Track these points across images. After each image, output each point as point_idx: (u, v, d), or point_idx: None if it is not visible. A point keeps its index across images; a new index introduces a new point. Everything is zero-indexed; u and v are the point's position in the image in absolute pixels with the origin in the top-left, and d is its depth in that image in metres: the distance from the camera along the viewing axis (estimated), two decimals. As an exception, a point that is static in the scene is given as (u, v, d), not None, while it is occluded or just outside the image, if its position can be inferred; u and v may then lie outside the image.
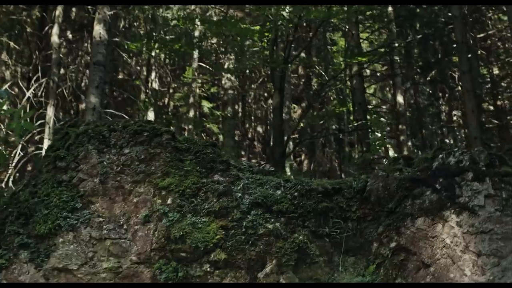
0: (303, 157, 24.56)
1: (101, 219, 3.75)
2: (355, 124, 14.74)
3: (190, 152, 3.90)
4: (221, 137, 26.76)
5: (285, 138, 15.34)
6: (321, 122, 17.29)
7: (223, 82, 21.10)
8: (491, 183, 3.61)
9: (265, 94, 26.68)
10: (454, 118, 21.84)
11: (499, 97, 18.59)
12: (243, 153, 28.62)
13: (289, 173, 16.32)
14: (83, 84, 17.29)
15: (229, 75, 19.34)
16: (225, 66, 17.73)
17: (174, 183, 3.71)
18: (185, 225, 3.59)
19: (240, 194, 3.67)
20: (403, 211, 3.65)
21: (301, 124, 17.28)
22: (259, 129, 31.13)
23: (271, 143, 15.92)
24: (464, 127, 19.04)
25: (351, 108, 17.10)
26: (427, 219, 3.59)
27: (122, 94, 18.68)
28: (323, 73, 16.84)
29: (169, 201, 3.72)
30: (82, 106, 16.15)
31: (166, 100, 23.22)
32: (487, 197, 3.60)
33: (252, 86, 25.04)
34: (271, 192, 3.67)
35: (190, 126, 19.74)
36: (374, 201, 3.73)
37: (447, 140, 20.90)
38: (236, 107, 24.42)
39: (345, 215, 3.73)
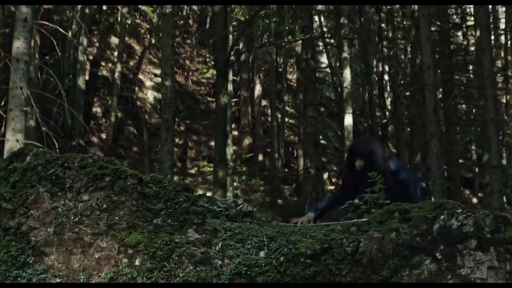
0: (257, 83, 23.71)
1: (58, 279, 3.26)
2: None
3: (160, 199, 3.38)
4: (155, 17, 25.58)
5: (229, 44, 14.67)
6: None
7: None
8: (496, 253, 3.30)
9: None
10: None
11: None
12: (177, 33, 27.57)
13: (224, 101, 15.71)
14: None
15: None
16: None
17: (143, 242, 3.23)
18: (157, 296, 3.16)
19: (219, 261, 3.23)
20: (399, 281, 3.31)
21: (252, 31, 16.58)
22: (195, 7, 29.84)
23: (213, 43, 15.16)
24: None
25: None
26: (425, 291, 3.28)
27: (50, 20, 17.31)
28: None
29: (137, 263, 3.26)
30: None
31: None
32: (490, 268, 3.30)
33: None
34: (254, 256, 3.24)
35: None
36: (367, 264, 3.38)
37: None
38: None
39: (334, 279, 3.37)
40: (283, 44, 16.93)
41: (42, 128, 11.52)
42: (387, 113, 32.99)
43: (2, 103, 10.46)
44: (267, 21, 20.44)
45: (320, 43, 18.32)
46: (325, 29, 24.43)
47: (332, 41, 18.43)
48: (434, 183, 10.41)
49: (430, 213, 3.41)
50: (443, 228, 3.34)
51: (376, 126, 30.51)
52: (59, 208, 3.37)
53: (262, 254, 3.32)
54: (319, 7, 18.80)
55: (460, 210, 3.39)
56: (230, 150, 19.56)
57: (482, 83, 11.64)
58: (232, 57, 14.38)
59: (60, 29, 11.56)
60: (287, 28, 15.89)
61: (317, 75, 18.53)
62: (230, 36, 16.14)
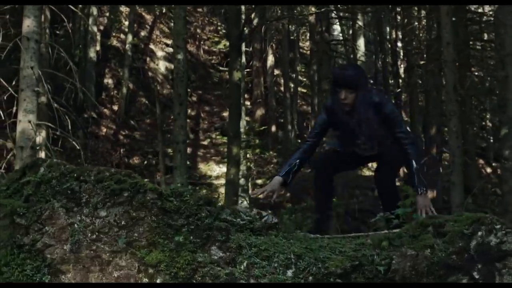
0: (269, 53, 23.35)
1: (75, 300, 3.11)
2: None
3: (181, 214, 3.21)
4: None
5: (243, 18, 14.34)
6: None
7: None
8: (537, 272, 3.12)
9: None
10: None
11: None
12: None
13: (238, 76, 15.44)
14: None
15: None
16: None
17: (164, 261, 3.06)
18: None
19: (245, 282, 3.06)
20: (435, 302, 3.14)
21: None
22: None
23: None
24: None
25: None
26: (461, 312, 3.11)
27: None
28: None
29: (158, 282, 3.09)
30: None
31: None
32: (531, 289, 3.12)
33: None
34: (281, 276, 3.08)
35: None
36: (400, 282, 3.20)
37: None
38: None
39: (365, 299, 3.20)
40: (296, 15, 16.55)
41: (54, 105, 11.35)
42: (400, 81, 32.61)
43: (13, 83, 10.27)
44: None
45: (334, 14, 17.97)
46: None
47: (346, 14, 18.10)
48: (454, 163, 10.20)
49: (466, 229, 3.21)
50: (481, 245, 3.16)
51: (389, 94, 30.17)
52: (76, 225, 3.21)
53: (289, 273, 3.14)
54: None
55: (499, 226, 3.19)
56: (243, 122, 19.35)
57: (501, 58, 11.30)
58: (245, 30, 14.06)
59: (70, 6, 11.28)
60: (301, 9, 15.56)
61: (331, 47, 18.21)
62: (243, 7, 15.80)
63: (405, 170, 6.07)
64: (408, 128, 4.83)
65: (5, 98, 10.05)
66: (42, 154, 13.44)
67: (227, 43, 22.00)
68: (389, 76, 30.09)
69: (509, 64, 10.18)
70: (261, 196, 4.54)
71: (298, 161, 4.69)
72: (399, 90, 31.44)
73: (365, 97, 4.55)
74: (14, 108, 10.04)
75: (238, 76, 12.89)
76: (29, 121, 9.51)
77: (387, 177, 4.93)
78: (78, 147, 12.77)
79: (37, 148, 10.86)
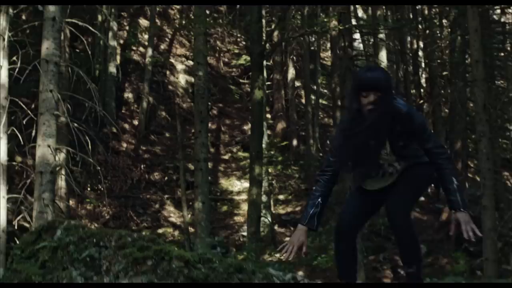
0: (290, 66, 23.10)
1: None
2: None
3: (210, 283, 2.93)
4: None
5: (264, 35, 14.12)
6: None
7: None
8: None
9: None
10: None
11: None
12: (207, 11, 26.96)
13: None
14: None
15: None
16: None
17: (191, 337, 2.79)
18: None
19: None
20: None
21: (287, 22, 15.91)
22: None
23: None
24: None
25: None
26: None
27: (79, 6, 16.89)
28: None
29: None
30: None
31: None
32: None
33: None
34: None
35: None
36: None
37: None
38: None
39: None
40: (318, 32, 16.18)
41: (73, 125, 11.16)
42: (422, 91, 32.19)
43: (33, 106, 10.11)
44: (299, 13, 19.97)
45: (356, 29, 17.68)
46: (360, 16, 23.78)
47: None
48: (484, 186, 9.86)
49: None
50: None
51: (412, 105, 29.74)
52: (95, 296, 2.95)
53: None
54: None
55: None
56: (264, 136, 19.10)
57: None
58: (267, 47, 13.80)
59: (90, 27, 11.11)
60: (323, 20, 15.22)
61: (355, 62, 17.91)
62: (263, 22, 15.59)
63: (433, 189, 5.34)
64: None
65: (24, 122, 9.87)
66: (62, 179, 13.27)
67: (248, 58, 21.79)
68: (410, 86, 29.69)
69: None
70: (290, 257, 4.05)
71: (319, 200, 4.05)
72: (421, 101, 31.04)
73: (392, 105, 3.95)
74: (33, 131, 9.87)
75: (260, 94, 12.65)
76: (48, 146, 9.33)
77: (405, 205, 4.06)
78: (98, 168, 12.61)
79: (56, 172, 10.66)
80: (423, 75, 32.63)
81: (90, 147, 11.88)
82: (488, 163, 9.76)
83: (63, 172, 14.04)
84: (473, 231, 3.75)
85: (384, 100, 3.86)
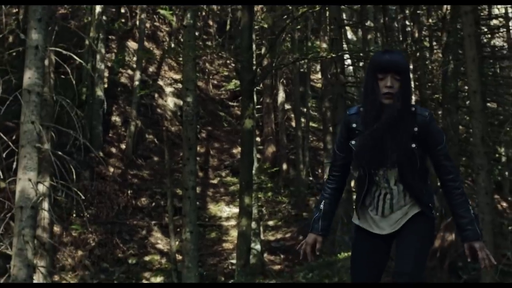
0: (280, 90, 22.86)
1: None
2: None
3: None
4: (174, 19, 24.76)
5: (254, 61, 13.83)
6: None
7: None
8: None
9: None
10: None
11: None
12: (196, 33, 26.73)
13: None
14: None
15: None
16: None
17: None
18: None
19: None
20: None
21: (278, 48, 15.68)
22: (214, 7, 28.96)
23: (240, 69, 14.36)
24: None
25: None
26: None
27: (66, 28, 16.60)
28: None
29: None
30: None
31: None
32: None
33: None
34: None
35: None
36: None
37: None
38: None
39: None
40: (309, 58, 15.89)
41: (57, 154, 10.77)
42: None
43: (13, 137, 9.72)
44: (290, 37, 19.72)
45: (348, 56, 17.45)
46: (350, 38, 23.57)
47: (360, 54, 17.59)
48: (483, 221, 9.54)
49: None
50: None
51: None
52: None
53: None
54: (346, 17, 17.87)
55: None
56: (254, 160, 18.77)
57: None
58: (258, 72, 13.49)
59: (75, 57, 10.75)
60: (313, 47, 14.98)
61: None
62: (254, 48, 15.26)
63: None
64: None
65: (4, 155, 9.46)
66: (45, 213, 12.86)
67: (237, 82, 21.49)
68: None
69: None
70: (308, 258, 3.71)
71: (321, 205, 3.77)
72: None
73: (411, 91, 3.58)
74: (14, 164, 9.46)
75: (250, 123, 12.32)
76: (29, 180, 8.92)
77: (420, 261, 3.57)
78: (82, 197, 12.21)
79: (38, 205, 10.23)
80: (413, 97, 32.48)
81: (74, 175, 11.51)
82: (486, 197, 9.46)
83: (46, 203, 13.65)
84: (489, 259, 3.46)
85: (403, 84, 3.47)
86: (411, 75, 24.67)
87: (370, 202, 3.74)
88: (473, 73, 9.61)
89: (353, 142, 3.64)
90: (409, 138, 3.48)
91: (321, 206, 3.78)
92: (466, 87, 14.19)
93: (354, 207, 3.91)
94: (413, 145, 3.49)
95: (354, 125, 3.66)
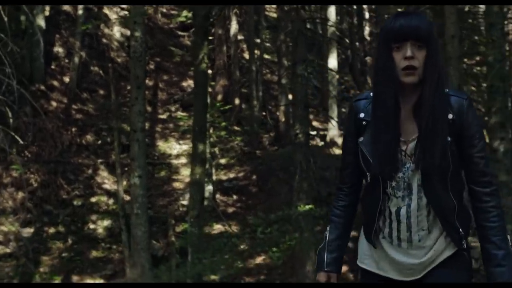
0: (233, 20, 21.62)
1: None
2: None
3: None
4: None
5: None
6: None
7: None
8: None
9: None
10: None
11: None
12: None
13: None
14: None
15: None
16: None
17: None
18: None
19: None
20: None
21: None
22: None
23: None
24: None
25: None
26: None
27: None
28: None
29: None
30: None
31: None
32: None
33: None
34: None
35: None
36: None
37: None
38: None
39: None
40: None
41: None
42: (366, 44, 31.41)
43: None
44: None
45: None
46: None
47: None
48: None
49: None
50: None
51: (357, 60, 28.97)
52: None
53: None
54: None
55: None
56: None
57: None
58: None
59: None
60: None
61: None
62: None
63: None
64: None
65: None
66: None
67: (189, 15, 20.35)
68: (355, 38, 28.83)
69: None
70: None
71: (334, 232, 2.87)
72: (363, 53, 30.23)
73: (442, 65, 2.67)
74: None
75: (204, 64, 11.36)
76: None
77: None
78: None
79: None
80: (366, 28, 31.79)
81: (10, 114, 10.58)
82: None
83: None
84: None
85: (430, 54, 2.58)
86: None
87: (381, 226, 2.77)
88: (452, 16, 8.86)
89: (361, 139, 2.72)
90: (446, 127, 2.58)
91: (326, 233, 2.92)
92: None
93: (362, 236, 2.90)
94: (449, 139, 2.60)
95: (362, 115, 2.74)
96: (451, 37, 8.83)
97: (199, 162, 11.54)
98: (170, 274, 10.66)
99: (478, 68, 22.19)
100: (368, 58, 31.48)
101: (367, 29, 31.49)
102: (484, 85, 17.41)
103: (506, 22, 16.73)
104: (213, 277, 12.31)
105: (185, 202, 17.15)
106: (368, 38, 31.83)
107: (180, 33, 25.73)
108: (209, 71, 21.91)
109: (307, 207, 10.27)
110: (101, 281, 14.80)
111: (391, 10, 20.43)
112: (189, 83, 22.88)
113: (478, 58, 21.26)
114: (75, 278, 14.80)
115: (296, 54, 12.88)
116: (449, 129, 2.61)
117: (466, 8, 19.64)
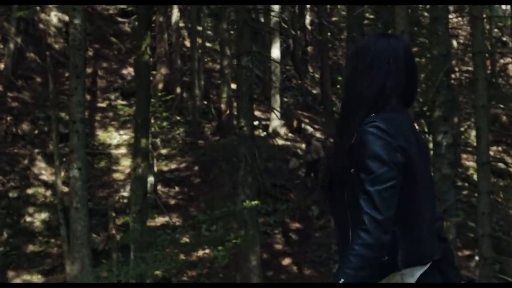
0: (174, 7, 21.14)
1: None
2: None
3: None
4: None
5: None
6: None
7: None
8: None
9: None
10: None
11: None
12: None
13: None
14: None
15: None
16: None
17: None
18: None
19: None
20: None
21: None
22: None
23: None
24: None
25: None
26: None
27: None
28: None
29: None
30: None
31: None
32: None
33: None
34: None
35: None
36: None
37: None
38: None
39: None
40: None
41: None
42: (306, 34, 31.46)
43: None
44: None
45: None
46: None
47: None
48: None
49: None
50: None
51: (298, 49, 28.98)
52: None
53: None
54: None
55: None
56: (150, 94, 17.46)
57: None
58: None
59: None
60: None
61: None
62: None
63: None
64: None
65: None
66: None
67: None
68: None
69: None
70: None
71: None
72: (305, 42, 30.26)
73: None
74: None
75: (147, 55, 11.03)
76: None
77: None
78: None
79: None
80: (307, 17, 31.84)
81: None
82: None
83: None
84: None
85: None
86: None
87: None
88: (402, 11, 8.78)
89: None
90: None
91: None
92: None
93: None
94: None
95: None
96: (401, 33, 8.78)
97: (142, 156, 11.24)
98: (112, 274, 10.34)
99: (417, 59, 22.43)
100: (309, 48, 31.57)
101: (308, 18, 31.57)
102: (422, 75, 17.53)
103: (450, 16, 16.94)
104: (156, 272, 12.03)
105: (125, 194, 16.79)
106: (309, 27, 31.92)
107: (120, 19, 25.13)
108: (150, 59, 21.52)
109: (253, 203, 10.11)
110: (39, 276, 14.34)
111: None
112: (129, 71, 22.40)
113: (416, 49, 21.44)
114: (11, 274, 14.30)
115: (241, 46, 12.68)
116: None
117: None
